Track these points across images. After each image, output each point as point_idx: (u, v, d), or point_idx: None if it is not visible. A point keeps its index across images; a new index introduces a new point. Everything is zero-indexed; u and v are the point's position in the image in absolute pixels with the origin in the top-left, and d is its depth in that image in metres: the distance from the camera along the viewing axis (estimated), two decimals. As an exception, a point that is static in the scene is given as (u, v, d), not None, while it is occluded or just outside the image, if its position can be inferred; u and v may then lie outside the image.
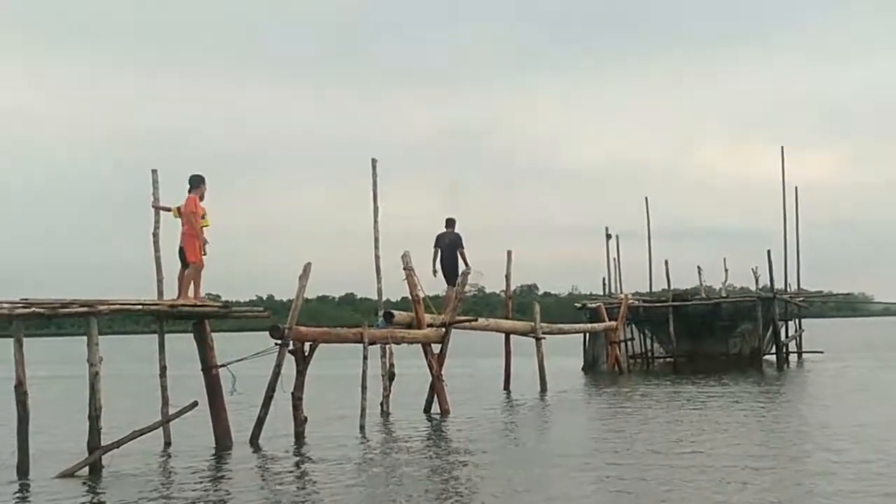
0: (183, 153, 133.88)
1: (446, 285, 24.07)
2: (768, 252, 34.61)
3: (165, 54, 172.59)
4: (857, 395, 23.65)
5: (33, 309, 13.40)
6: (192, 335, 16.58)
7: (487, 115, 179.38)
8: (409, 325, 20.90)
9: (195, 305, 16.08)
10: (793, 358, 38.35)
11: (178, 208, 16.42)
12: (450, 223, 24.47)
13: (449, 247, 23.99)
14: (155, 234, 16.57)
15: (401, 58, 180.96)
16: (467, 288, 22.85)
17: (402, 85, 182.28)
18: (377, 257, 20.89)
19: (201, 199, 16.59)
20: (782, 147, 39.13)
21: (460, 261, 23.78)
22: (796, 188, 39.78)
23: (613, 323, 33.27)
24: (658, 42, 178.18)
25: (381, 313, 20.64)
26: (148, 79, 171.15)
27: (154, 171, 16.64)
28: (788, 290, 39.08)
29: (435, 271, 24.02)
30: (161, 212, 16.58)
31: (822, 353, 40.18)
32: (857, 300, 69.91)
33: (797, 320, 41.03)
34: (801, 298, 39.91)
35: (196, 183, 16.60)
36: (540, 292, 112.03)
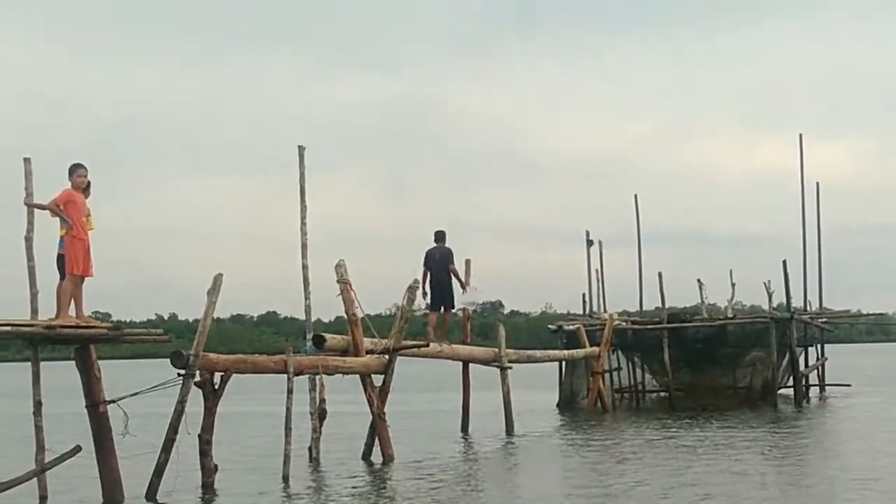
0: (63, 140, 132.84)
1: (440, 309, 25.66)
2: (784, 262, 34.91)
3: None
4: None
5: None
6: (73, 363, 16.41)
7: (438, 94, 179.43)
8: (344, 352, 20.86)
9: (78, 326, 15.93)
10: (814, 392, 38.70)
11: (57, 204, 16.25)
12: (439, 237, 25.78)
13: (440, 264, 25.40)
14: (28, 239, 16.37)
15: (331, 23, 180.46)
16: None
17: (331, 57, 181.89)
18: (305, 268, 20.84)
19: (82, 192, 16.41)
20: (801, 134, 39.62)
21: (454, 280, 25.53)
22: (818, 185, 40.30)
23: (596, 349, 33.40)
24: (653, 13, 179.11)
25: (309, 336, 20.58)
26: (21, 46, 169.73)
27: (27, 160, 16.44)
28: (809, 309, 39.43)
29: (425, 293, 25.04)
30: (36, 210, 16.40)
31: (849, 385, 40.58)
32: (892, 321, 70.67)
33: (819, 346, 41.39)
34: (823, 319, 40.26)
35: (70, 171, 16.45)
36: (506, 311, 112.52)
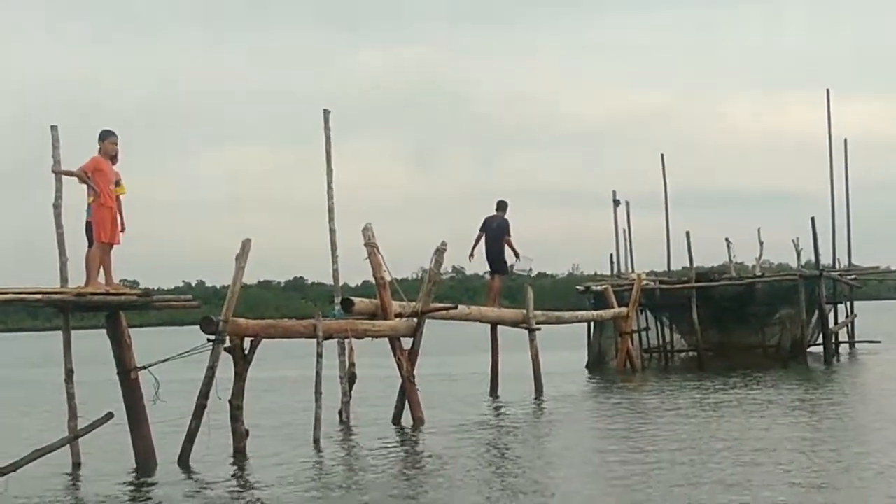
0: (87, 109, 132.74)
1: (490, 273, 28.16)
2: (812, 220, 34.70)
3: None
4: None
5: None
6: (104, 331, 16.49)
7: (461, 63, 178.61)
8: (372, 315, 20.90)
9: (107, 294, 15.99)
10: (843, 349, 38.61)
11: (85, 171, 16.27)
12: (501, 206, 27.60)
13: (496, 232, 27.10)
14: (56, 206, 16.46)
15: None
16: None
17: (353, 29, 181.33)
18: (332, 231, 20.87)
19: (110, 158, 16.44)
20: (828, 90, 39.33)
21: (507, 249, 27.18)
22: (846, 141, 40.03)
23: (624, 309, 33.35)
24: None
25: (337, 301, 20.62)
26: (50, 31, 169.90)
27: (54, 128, 16.48)
28: (837, 266, 39.29)
29: (471, 256, 27.20)
30: (64, 178, 16.45)
31: (879, 342, 40.45)
32: (922, 278, 70.30)
33: (848, 303, 41.26)
34: (852, 276, 40.15)
35: (101, 137, 16.48)
36: (533, 273, 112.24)
